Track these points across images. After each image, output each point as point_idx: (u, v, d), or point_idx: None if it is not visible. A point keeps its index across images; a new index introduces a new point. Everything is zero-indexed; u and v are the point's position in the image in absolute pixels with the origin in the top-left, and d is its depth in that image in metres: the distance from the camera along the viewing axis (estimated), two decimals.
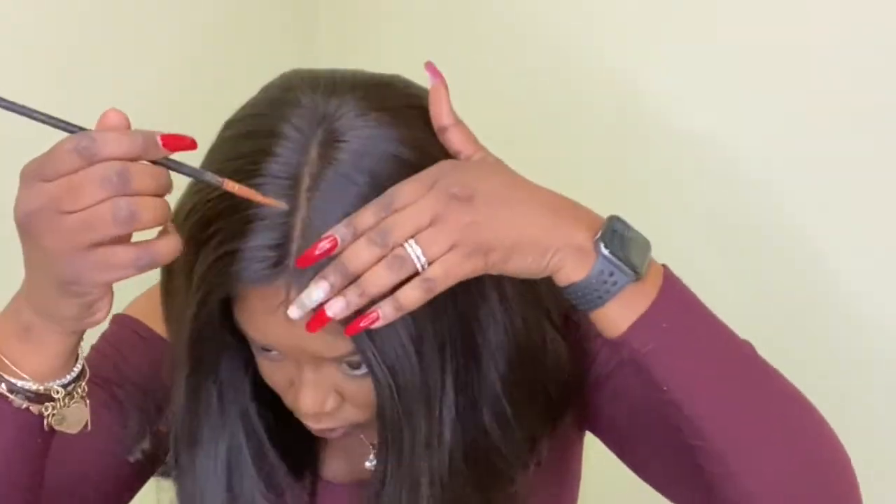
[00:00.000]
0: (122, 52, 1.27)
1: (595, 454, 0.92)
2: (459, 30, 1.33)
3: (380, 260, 0.67)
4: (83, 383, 0.74)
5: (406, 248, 0.67)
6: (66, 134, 0.62)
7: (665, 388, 0.73)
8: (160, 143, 0.62)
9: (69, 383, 0.72)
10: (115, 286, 0.67)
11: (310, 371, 0.76)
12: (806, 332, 1.07)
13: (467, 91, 1.07)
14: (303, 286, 0.69)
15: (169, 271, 0.78)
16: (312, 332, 0.69)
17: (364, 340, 0.71)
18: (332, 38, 1.49)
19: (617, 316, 0.72)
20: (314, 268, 0.68)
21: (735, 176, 1.09)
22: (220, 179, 0.65)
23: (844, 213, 1.02)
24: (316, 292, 0.68)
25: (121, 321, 0.91)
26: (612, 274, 0.70)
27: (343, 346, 0.72)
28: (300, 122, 0.71)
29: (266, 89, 0.76)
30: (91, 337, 0.88)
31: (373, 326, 0.68)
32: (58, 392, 0.72)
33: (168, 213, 0.63)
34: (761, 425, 0.74)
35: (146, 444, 0.88)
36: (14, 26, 1.17)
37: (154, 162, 0.62)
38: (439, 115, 0.74)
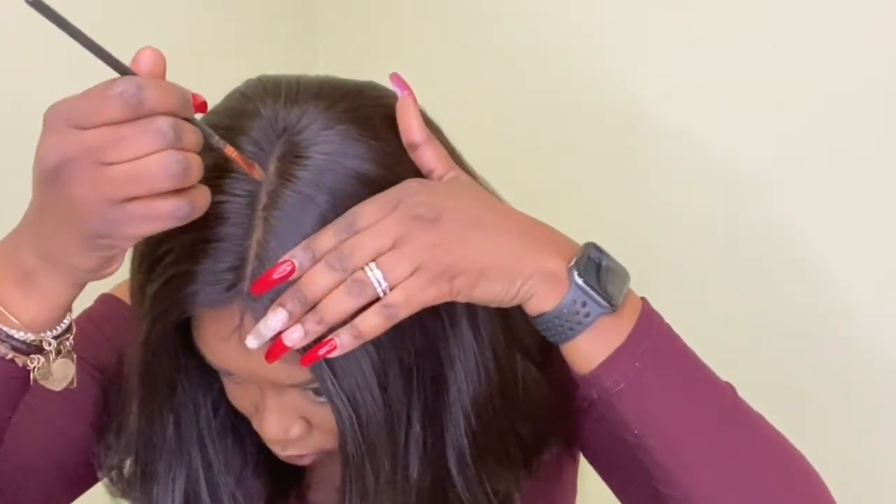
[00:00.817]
0: (116, 50, 1.25)
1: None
2: (456, 31, 1.32)
3: (339, 285, 0.64)
4: (71, 337, 0.69)
5: (366, 272, 0.64)
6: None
7: (636, 432, 0.69)
8: (191, 101, 0.60)
9: (59, 336, 0.68)
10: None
11: (273, 397, 0.73)
12: (805, 334, 1.05)
13: (463, 92, 1.05)
14: (258, 311, 0.66)
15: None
16: (271, 362, 0.66)
17: (323, 369, 0.67)
18: (331, 38, 1.49)
19: (589, 350, 0.68)
20: (270, 292, 0.65)
21: (732, 177, 1.07)
22: (223, 142, 0.64)
23: (843, 214, 1.01)
24: (273, 321, 0.65)
25: (107, 301, 0.88)
26: (584, 304, 0.67)
27: (302, 373, 0.69)
28: (259, 136, 0.67)
29: (228, 97, 0.73)
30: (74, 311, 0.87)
31: (330, 356, 0.65)
32: (50, 344, 0.67)
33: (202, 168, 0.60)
34: (738, 478, 0.69)
35: (116, 459, 0.85)
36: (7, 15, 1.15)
37: None
38: (409, 131, 0.70)
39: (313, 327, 0.64)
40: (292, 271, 0.64)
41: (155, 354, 0.72)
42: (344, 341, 0.64)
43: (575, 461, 0.92)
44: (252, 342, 0.65)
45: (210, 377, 0.79)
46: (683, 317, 0.73)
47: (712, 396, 0.70)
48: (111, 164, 0.57)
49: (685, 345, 0.71)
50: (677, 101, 1.10)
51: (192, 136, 0.59)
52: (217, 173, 0.66)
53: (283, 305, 0.64)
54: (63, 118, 0.58)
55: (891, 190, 0.97)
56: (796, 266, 1.04)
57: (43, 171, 0.59)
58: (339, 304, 0.64)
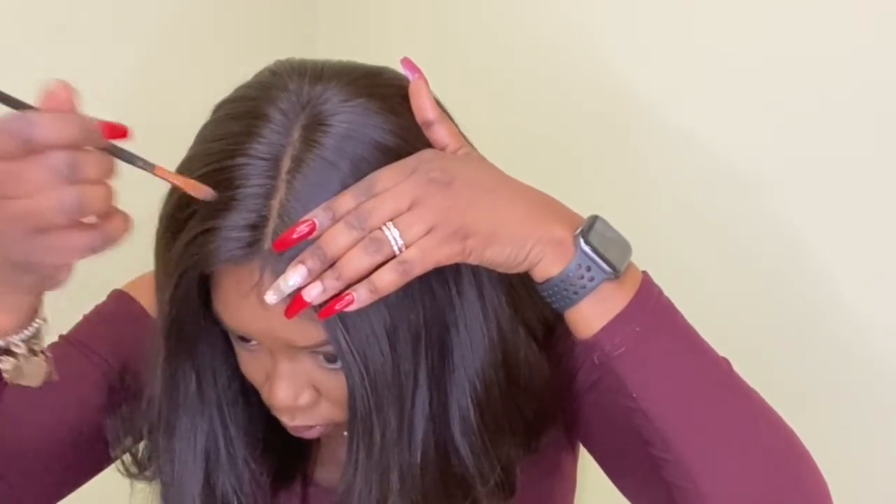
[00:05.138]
0: (116, 50, 1.28)
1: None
2: (456, 29, 1.34)
3: (358, 243, 0.68)
4: (41, 338, 0.73)
5: (383, 231, 0.67)
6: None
7: (634, 396, 0.72)
8: (100, 130, 0.61)
9: (28, 338, 0.72)
10: (118, 263, 0.67)
11: (285, 362, 0.76)
12: (802, 334, 1.06)
13: (462, 89, 1.07)
14: (277, 268, 0.69)
15: None
16: (290, 317, 0.69)
17: (336, 326, 0.70)
18: (331, 38, 1.51)
19: (591, 315, 0.71)
20: (289, 251, 0.68)
21: (733, 177, 1.08)
22: (151, 165, 0.64)
23: (843, 213, 1.02)
24: (293, 277, 0.68)
25: (117, 297, 0.91)
26: (589, 269, 0.70)
27: (316, 333, 0.72)
28: (285, 106, 0.71)
29: (258, 74, 0.77)
30: (85, 307, 0.91)
31: (347, 309, 0.68)
32: (18, 347, 0.71)
33: (113, 197, 0.62)
34: (731, 444, 0.72)
35: (130, 441, 0.88)
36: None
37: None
38: (423, 110, 0.74)
39: (332, 283, 0.67)
40: (312, 230, 0.68)
41: (179, 311, 0.75)
42: (361, 296, 0.67)
43: (574, 453, 0.94)
44: (271, 297, 0.68)
45: (228, 353, 0.82)
46: (683, 314, 0.75)
47: (709, 365, 0.74)
48: (12, 198, 0.59)
49: (683, 316, 0.74)
50: (678, 100, 1.11)
51: (94, 168, 0.60)
52: (242, 137, 0.70)
53: (303, 262, 0.67)
54: None
55: (891, 189, 0.98)
56: (796, 266, 1.05)
57: None
58: (356, 261, 0.67)
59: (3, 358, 0.71)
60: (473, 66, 1.30)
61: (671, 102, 1.12)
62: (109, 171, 0.62)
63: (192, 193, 0.66)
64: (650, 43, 1.13)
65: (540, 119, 1.25)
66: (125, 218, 0.63)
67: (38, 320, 0.72)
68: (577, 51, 1.19)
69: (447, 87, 0.82)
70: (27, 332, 0.72)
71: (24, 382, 0.73)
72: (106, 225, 0.62)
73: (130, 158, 0.64)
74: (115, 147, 0.63)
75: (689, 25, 1.09)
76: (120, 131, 0.63)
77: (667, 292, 0.75)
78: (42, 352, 0.73)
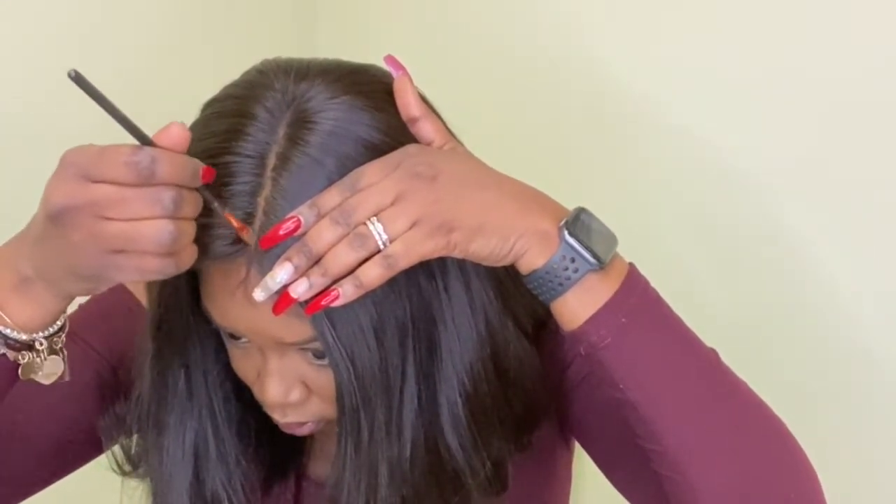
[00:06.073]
0: (114, 48, 1.28)
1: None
2: (455, 30, 1.34)
3: (343, 239, 0.68)
4: (63, 335, 0.74)
5: (368, 226, 0.68)
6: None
7: (621, 387, 0.72)
8: (201, 174, 0.66)
9: (51, 335, 0.73)
10: None
11: (275, 359, 0.76)
12: (802, 334, 1.06)
13: (462, 89, 1.08)
14: (263, 265, 0.70)
15: None
16: (277, 314, 0.70)
17: (323, 322, 0.71)
18: (330, 38, 1.51)
19: (576, 306, 0.71)
20: (275, 248, 0.69)
21: (731, 178, 1.08)
22: (222, 209, 0.69)
23: (842, 215, 1.01)
24: (280, 274, 0.68)
25: (115, 288, 0.91)
26: (573, 260, 0.70)
27: (303, 330, 0.72)
28: (271, 104, 0.72)
29: (246, 73, 0.77)
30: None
31: (333, 305, 0.68)
32: (41, 343, 0.72)
33: (195, 232, 0.66)
34: (720, 435, 0.72)
35: (122, 438, 0.88)
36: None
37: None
38: (407, 106, 0.74)
39: (318, 279, 0.68)
40: (297, 227, 0.68)
41: (168, 308, 0.76)
42: (346, 291, 0.68)
43: (569, 448, 0.94)
44: (259, 294, 0.69)
45: (219, 351, 0.82)
46: (682, 316, 0.75)
47: (695, 355, 0.74)
48: (110, 219, 0.62)
49: (670, 308, 0.74)
50: (678, 100, 1.10)
51: (191, 207, 0.65)
52: (229, 135, 0.71)
53: (289, 259, 0.68)
54: (76, 168, 0.63)
55: (891, 190, 0.98)
56: (796, 266, 1.05)
57: (48, 210, 0.64)
58: (342, 257, 0.68)
59: (24, 353, 0.72)
60: (473, 65, 1.30)
61: (671, 102, 1.11)
62: (199, 210, 0.67)
63: (243, 237, 0.69)
64: (650, 42, 1.12)
65: (539, 118, 1.24)
66: (195, 250, 0.67)
67: (61, 318, 0.74)
68: (574, 50, 1.19)
69: (447, 86, 0.82)
70: (51, 329, 0.73)
71: (36, 379, 0.73)
72: (181, 254, 0.66)
73: (209, 199, 0.68)
74: (204, 190, 0.67)
75: (690, 25, 1.09)
76: (211, 175, 0.68)
77: (665, 292, 0.75)
78: (62, 349, 0.74)
